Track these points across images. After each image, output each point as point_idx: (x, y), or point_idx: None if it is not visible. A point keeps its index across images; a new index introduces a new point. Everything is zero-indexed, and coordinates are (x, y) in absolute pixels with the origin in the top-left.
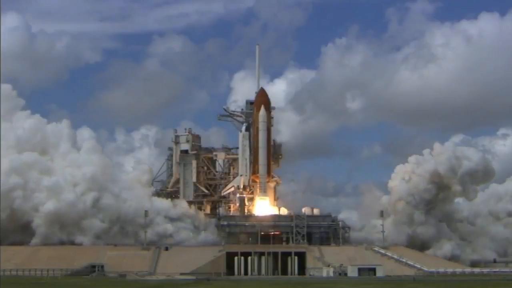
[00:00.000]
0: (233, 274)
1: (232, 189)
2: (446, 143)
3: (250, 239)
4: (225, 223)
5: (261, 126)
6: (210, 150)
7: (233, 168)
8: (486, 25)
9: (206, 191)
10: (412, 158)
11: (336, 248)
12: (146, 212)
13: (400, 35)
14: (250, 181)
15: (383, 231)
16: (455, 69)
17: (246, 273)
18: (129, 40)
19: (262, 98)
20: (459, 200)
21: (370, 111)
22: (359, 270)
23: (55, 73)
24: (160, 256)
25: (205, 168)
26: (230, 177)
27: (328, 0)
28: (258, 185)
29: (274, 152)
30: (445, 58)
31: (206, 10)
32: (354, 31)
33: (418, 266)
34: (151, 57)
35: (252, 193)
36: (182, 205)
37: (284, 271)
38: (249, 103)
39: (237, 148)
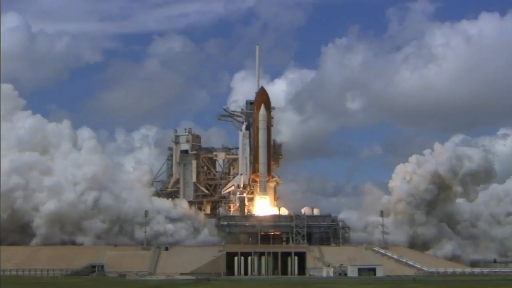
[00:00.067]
0: (233, 274)
1: (232, 188)
2: (446, 143)
3: (250, 239)
4: (225, 223)
5: (261, 125)
6: (210, 150)
7: (233, 168)
8: (486, 25)
9: (206, 191)
10: (412, 158)
11: (336, 248)
12: (146, 212)
13: (400, 35)
14: (250, 180)
15: (383, 231)
16: (455, 69)
17: (246, 273)
18: (129, 40)
19: (262, 97)
20: (460, 200)
21: (370, 111)
22: (359, 270)
23: (55, 73)
24: (160, 256)
25: (205, 168)
26: (230, 177)
27: (328, 0)
28: (258, 184)
29: (274, 152)
30: (445, 58)
31: (206, 10)
32: (355, 31)
33: (418, 266)
34: (151, 57)
35: (252, 193)
36: (182, 205)
37: (284, 271)
38: (249, 103)
39: (237, 148)
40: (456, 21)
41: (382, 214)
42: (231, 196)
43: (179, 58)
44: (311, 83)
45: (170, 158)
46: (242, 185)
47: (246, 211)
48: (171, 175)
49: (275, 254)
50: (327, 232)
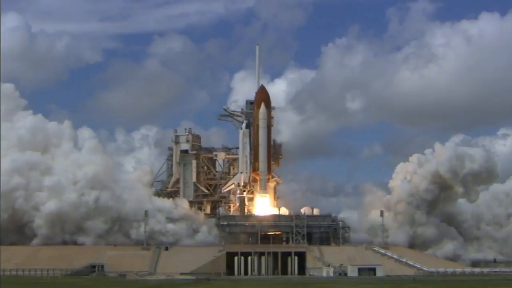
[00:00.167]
0: (233, 274)
1: (233, 186)
2: (446, 143)
3: (250, 239)
4: (225, 223)
5: (261, 123)
6: (210, 150)
7: (233, 168)
8: (487, 25)
9: (206, 191)
10: (413, 158)
11: (336, 248)
12: (146, 212)
13: (400, 35)
14: (251, 179)
15: (383, 231)
16: (455, 69)
17: (246, 273)
18: (129, 40)
19: (263, 96)
20: (460, 201)
21: (370, 111)
22: (359, 270)
23: (55, 73)
24: (160, 256)
25: (205, 168)
26: (230, 177)
27: (328, 0)
28: (258, 182)
29: (274, 152)
30: (445, 58)
31: (206, 10)
32: (355, 31)
33: (418, 266)
34: (151, 57)
35: (252, 192)
36: (183, 205)
37: (284, 271)
38: (249, 103)
39: (237, 148)
40: (456, 21)
41: (382, 214)
42: (231, 196)
43: (179, 58)
44: (311, 83)
45: (170, 158)
46: (242, 184)
47: (246, 211)
48: (171, 175)
49: (275, 254)
50: (327, 232)
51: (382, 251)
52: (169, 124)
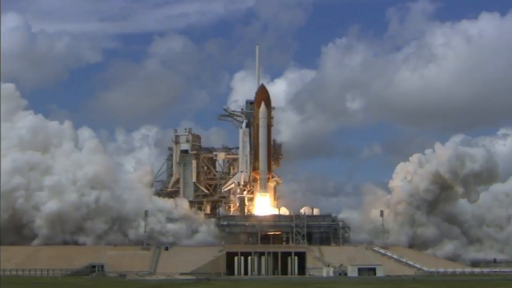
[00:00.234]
0: (233, 274)
1: (233, 185)
2: (446, 143)
3: (250, 239)
4: (225, 223)
5: (262, 122)
6: (210, 150)
7: (233, 168)
8: (487, 25)
9: (206, 191)
10: (414, 158)
11: (336, 248)
12: (146, 212)
13: (400, 35)
14: (251, 178)
15: (383, 231)
16: (455, 69)
17: (246, 273)
18: (129, 40)
19: (263, 95)
20: (461, 201)
21: (370, 111)
22: (359, 270)
23: (56, 73)
24: (160, 256)
25: (205, 168)
26: (230, 177)
27: (328, 0)
28: (258, 182)
29: (274, 152)
30: (445, 58)
31: (206, 10)
32: (355, 31)
33: (418, 266)
34: (151, 57)
35: (252, 193)
36: (183, 205)
37: (284, 271)
38: (249, 103)
39: (237, 148)
40: (456, 21)
41: (382, 214)
42: (231, 196)
43: (179, 58)
44: (311, 83)
45: (170, 158)
46: (242, 183)
47: (246, 211)
48: (171, 175)
49: (275, 254)
50: (327, 232)
51: (382, 251)
52: (169, 124)
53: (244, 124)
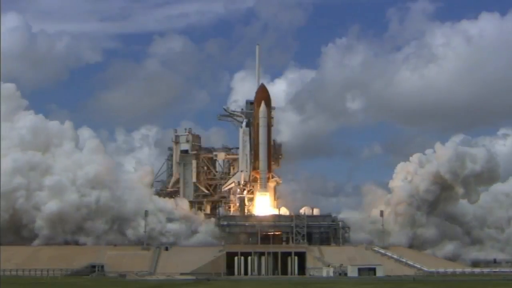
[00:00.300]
0: (233, 274)
1: (233, 185)
2: (446, 143)
3: (250, 239)
4: (225, 223)
5: (262, 122)
6: (210, 150)
7: (233, 168)
8: (487, 25)
9: (206, 191)
10: (414, 158)
11: (336, 248)
12: (146, 212)
13: (400, 35)
14: (251, 178)
15: (383, 231)
16: (455, 69)
17: (246, 273)
18: (130, 40)
19: (263, 94)
20: (461, 201)
21: (370, 111)
22: (359, 270)
23: (56, 73)
24: (160, 256)
25: (205, 168)
26: (230, 177)
27: (328, 0)
28: (258, 181)
29: (274, 152)
30: (445, 58)
31: (206, 10)
32: (355, 31)
33: (418, 266)
34: (151, 57)
35: (252, 193)
36: (183, 205)
37: (284, 271)
38: (249, 103)
39: (237, 148)
40: (456, 21)
41: (382, 214)
42: (231, 196)
43: (179, 58)
44: (311, 83)
45: (170, 158)
46: (242, 182)
47: (246, 211)
48: (171, 175)
49: (275, 254)
50: (327, 232)
51: (382, 251)
52: (169, 124)
53: (244, 124)
